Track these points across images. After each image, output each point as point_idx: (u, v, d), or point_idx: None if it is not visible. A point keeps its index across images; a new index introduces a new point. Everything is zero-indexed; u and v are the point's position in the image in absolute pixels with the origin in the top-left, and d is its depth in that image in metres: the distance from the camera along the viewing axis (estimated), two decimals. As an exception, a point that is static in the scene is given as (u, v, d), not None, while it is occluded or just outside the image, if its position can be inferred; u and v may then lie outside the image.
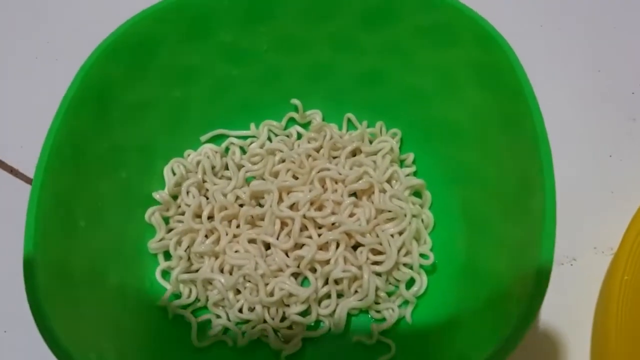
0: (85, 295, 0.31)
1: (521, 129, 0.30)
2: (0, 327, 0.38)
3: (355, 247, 0.37)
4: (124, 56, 0.35)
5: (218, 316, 0.36)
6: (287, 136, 0.42)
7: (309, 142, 0.41)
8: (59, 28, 0.51)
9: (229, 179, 0.40)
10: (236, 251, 0.37)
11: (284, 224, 0.37)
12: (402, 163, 0.41)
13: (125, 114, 0.36)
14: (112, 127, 0.36)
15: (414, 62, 0.38)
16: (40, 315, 0.26)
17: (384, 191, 0.38)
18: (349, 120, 0.42)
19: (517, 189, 0.31)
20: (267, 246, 0.37)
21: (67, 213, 0.31)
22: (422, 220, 0.38)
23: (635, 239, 0.33)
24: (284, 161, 0.40)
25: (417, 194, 0.39)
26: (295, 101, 0.41)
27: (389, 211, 0.36)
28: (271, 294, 0.35)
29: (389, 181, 0.39)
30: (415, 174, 0.40)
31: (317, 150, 0.40)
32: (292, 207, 0.37)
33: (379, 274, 0.36)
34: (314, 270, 0.36)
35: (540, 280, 0.26)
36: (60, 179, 0.31)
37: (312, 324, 0.35)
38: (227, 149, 0.42)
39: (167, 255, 0.38)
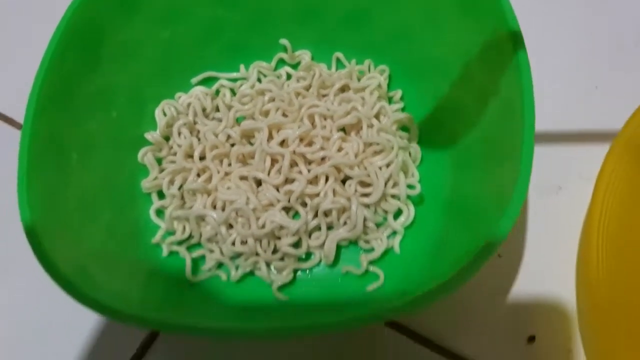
0: (79, 226, 0.32)
1: (504, 58, 0.31)
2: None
3: (344, 181, 0.37)
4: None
5: (211, 251, 0.37)
6: (277, 77, 0.42)
7: (298, 81, 0.41)
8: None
9: (220, 120, 0.41)
10: (228, 188, 0.37)
11: (274, 161, 0.38)
12: (390, 100, 0.41)
13: (114, 54, 0.37)
14: (101, 67, 0.36)
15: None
16: (33, 235, 0.27)
17: (372, 126, 0.38)
18: (338, 59, 0.42)
19: (499, 117, 0.32)
20: (258, 183, 0.38)
21: (60, 145, 0.32)
22: (410, 154, 0.38)
23: (614, 164, 0.33)
24: (273, 100, 0.40)
25: (405, 129, 0.40)
26: (284, 41, 0.42)
27: (377, 144, 0.37)
28: (262, 227, 0.36)
29: (377, 117, 0.39)
30: (403, 110, 0.41)
31: (307, 89, 0.41)
32: (282, 144, 0.38)
33: (367, 206, 0.36)
34: (304, 204, 0.37)
35: (516, 197, 0.26)
36: (50, 115, 0.32)
37: (303, 256, 0.36)
38: (217, 92, 0.42)
39: (161, 195, 0.39)
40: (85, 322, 0.36)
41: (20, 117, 0.44)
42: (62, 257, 0.28)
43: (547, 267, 0.36)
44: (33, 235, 0.28)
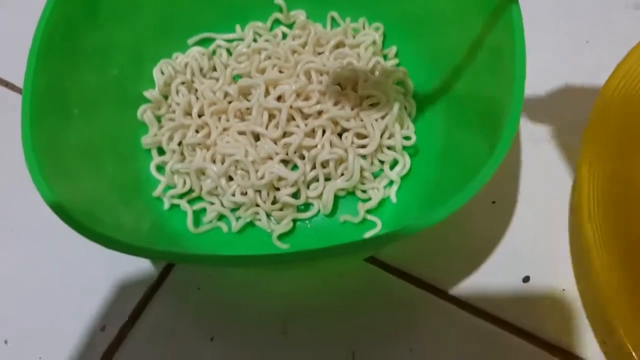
0: (83, 177, 0.33)
1: (497, 10, 0.31)
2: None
3: (340, 134, 0.38)
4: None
5: (212, 203, 0.37)
6: (273, 37, 0.43)
7: (293, 40, 0.42)
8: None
9: (217, 79, 0.41)
10: (227, 142, 0.38)
11: (271, 116, 0.38)
12: (385, 57, 0.42)
13: (112, 12, 0.37)
14: (100, 23, 0.37)
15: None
16: (40, 180, 0.28)
17: (367, 80, 0.39)
18: (333, 18, 0.43)
19: (491, 69, 0.32)
20: (257, 137, 0.38)
21: (61, 99, 0.33)
22: (405, 108, 0.39)
23: (602, 112, 0.34)
24: (269, 58, 0.41)
25: (400, 84, 0.40)
26: (278, 1, 0.42)
27: (373, 97, 0.38)
28: (262, 178, 0.36)
29: (372, 71, 0.40)
30: (398, 66, 0.41)
31: (302, 47, 0.41)
32: (279, 99, 0.38)
33: (364, 157, 0.37)
34: (302, 157, 0.37)
35: (504, 140, 0.27)
36: (51, 65, 0.33)
37: (302, 206, 0.37)
38: (214, 52, 0.43)
39: (161, 152, 0.39)
40: (86, 273, 0.37)
41: (20, 82, 0.44)
42: (69, 200, 0.29)
43: (541, 213, 0.36)
44: (39, 178, 0.28)
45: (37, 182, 0.28)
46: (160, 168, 0.39)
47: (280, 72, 0.40)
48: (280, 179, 0.36)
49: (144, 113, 0.39)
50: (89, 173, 0.33)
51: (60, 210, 0.27)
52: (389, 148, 0.38)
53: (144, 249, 0.26)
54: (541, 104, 0.40)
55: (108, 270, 0.36)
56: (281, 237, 0.36)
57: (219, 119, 0.39)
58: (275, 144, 0.37)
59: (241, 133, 0.38)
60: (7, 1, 0.49)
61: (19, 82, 0.44)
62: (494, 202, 0.37)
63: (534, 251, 0.35)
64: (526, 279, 0.34)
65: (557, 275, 0.34)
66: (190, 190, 0.38)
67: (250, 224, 0.37)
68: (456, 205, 0.26)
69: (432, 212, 0.26)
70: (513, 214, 0.37)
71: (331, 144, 0.37)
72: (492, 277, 0.35)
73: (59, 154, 0.31)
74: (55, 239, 0.37)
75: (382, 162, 0.38)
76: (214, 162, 0.38)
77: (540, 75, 0.39)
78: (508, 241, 0.36)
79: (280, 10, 0.43)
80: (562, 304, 0.34)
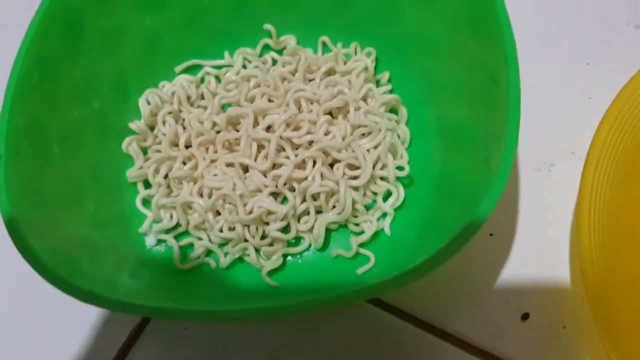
0: (62, 217, 0.32)
1: (488, 31, 0.30)
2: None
3: (332, 165, 0.37)
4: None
5: (199, 238, 0.36)
6: (262, 63, 0.42)
7: (283, 66, 0.41)
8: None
9: (205, 108, 0.40)
10: (214, 175, 0.37)
11: (260, 147, 0.37)
12: (378, 83, 0.41)
13: (95, 43, 0.36)
14: (82, 56, 0.36)
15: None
16: (13, 227, 0.27)
17: (359, 109, 0.38)
18: (324, 43, 0.42)
19: (485, 94, 0.31)
20: (245, 169, 0.37)
21: (39, 136, 0.32)
22: (399, 136, 0.38)
23: (605, 136, 0.33)
24: (259, 86, 0.40)
25: (393, 111, 0.39)
26: (268, 26, 0.41)
27: (365, 126, 0.36)
28: (250, 213, 0.35)
29: (364, 99, 0.39)
30: (391, 92, 0.40)
31: (292, 74, 0.40)
32: (268, 129, 0.37)
33: (356, 188, 0.36)
34: (292, 189, 0.36)
35: (501, 173, 0.26)
36: (30, 103, 0.32)
37: (293, 240, 0.36)
38: (202, 80, 0.42)
39: (147, 185, 0.38)
40: (69, 316, 0.35)
41: None
42: (44, 247, 0.28)
43: (540, 245, 0.35)
44: (12, 226, 0.27)
45: (16, 238, 0.27)
46: (146, 202, 0.37)
47: (270, 100, 0.39)
48: (269, 212, 0.35)
49: (129, 145, 0.38)
50: (68, 214, 0.32)
51: (33, 259, 0.26)
52: (382, 179, 0.36)
53: (118, 302, 0.25)
54: (542, 130, 0.38)
55: (89, 311, 0.35)
56: (271, 272, 0.35)
57: (207, 149, 0.38)
58: (265, 176, 0.36)
59: (229, 165, 0.37)
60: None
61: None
62: (491, 235, 0.36)
63: (534, 286, 0.34)
64: (525, 316, 0.33)
65: (558, 311, 0.33)
66: (177, 225, 0.37)
67: (239, 259, 0.36)
68: (457, 247, 0.25)
69: (432, 259, 0.25)
70: (512, 246, 0.35)
71: (322, 176, 0.36)
72: (489, 314, 0.33)
73: (35, 198, 0.30)
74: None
75: (375, 193, 0.36)
76: (201, 195, 0.37)
77: (540, 99, 0.38)
78: (506, 276, 0.34)
79: (270, 35, 0.41)
80: (563, 342, 0.32)
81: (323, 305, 0.25)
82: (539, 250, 0.35)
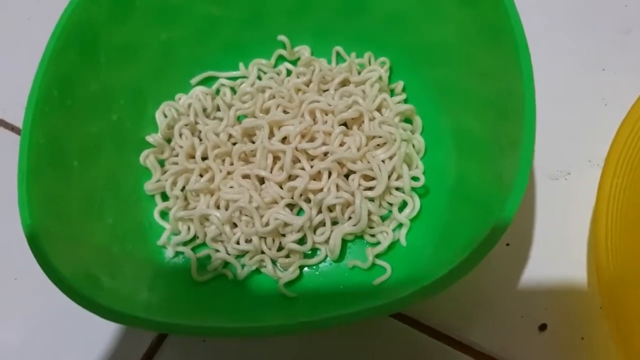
0: (82, 231, 0.32)
1: (502, 39, 0.30)
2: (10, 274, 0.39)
3: (347, 175, 0.37)
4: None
5: (217, 251, 0.37)
6: (277, 74, 0.42)
7: (298, 77, 0.41)
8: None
9: (221, 119, 0.41)
10: (231, 187, 0.37)
11: (276, 158, 0.37)
12: (392, 92, 0.41)
13: (112, 57, 0.37)
14: (100, 70, 0.36)
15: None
16: (35, 242, 0.27)
17: (373, 119, 0.38)
18: (338, 53, 0.42)
19: (500, 101, 0.31)
20: (261, 181, 0.37)
21: (60, 150, 0.32)
22: (414, 146, 0.38)
23: (624, 144, 0.33)
24: (274, 97, 0.40)
25: (408, 120, 0.39)
26: (282, 37, 0.42)
27: (380, 137, 0.37)
28: (267, 225, 0.35)
29: (378, 109, 0.39)
30: (405, 101, 0.40)
31: (307, 85, 0.40)
32: (283, 141, 0.38)
33: (371, 199, 0.36)
34: (308, 200, 0.36)
35: (518, 183, 0.26)
36: (50, 120, 0.32)
37: (309, 252, 0.36)
38: (217, 91, 0.42)
39: (165, 197, 0.38)
40: (92, 326, 0.36)
41: (20, 123, 0.44)
42: (65, 262, 0.28)
43: (557, 255, 0.35)
44: (35, 242, 0.28)
45: (38, 255, 0.27)
46: (164, 214, 0.38)
47: (285, 112, 0.39)
48: (285, 224, 0.35)
49: (147, 158, 0.38)
50: (88, 227, 0.33)
51: (54, 275, 0.27)
52: (397, 189, 0.36)
53: (138, 319, 0.25)
54: (558, 137, 0.38)
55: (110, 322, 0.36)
56: (288, 284, 0.35)
57: (223, 161, 0.38)
58: (281, 187, 0.37)
59: (245, 177, 0.37)
60: (15, 48, 0.49)
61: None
62: (508, 245, 0.35)
63: (551, 296, 0.34)
64: (543, 327, 0.33)
65: (576, 322, 0.33)
66: (195, 237, 0.37)
67: (256, 270, 0.36)
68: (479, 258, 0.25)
69: (453, 272, 0.25)
70: (528, 256, 0.35)
71: (337, 187, 0.36)
72: (506, 325, 0.33)
73: (56, 212, 0.30)
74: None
75: (390, 204, 0.36)
76: (217, 207, 0.37)
77: (557, 106, 0.38)
78: (523, 286, 0.34)
79: (284, 46, 0.42)
80: (581, 354, 0.32)
81: (346, 321, 0.25)
82: (556, 260, 0.35)
